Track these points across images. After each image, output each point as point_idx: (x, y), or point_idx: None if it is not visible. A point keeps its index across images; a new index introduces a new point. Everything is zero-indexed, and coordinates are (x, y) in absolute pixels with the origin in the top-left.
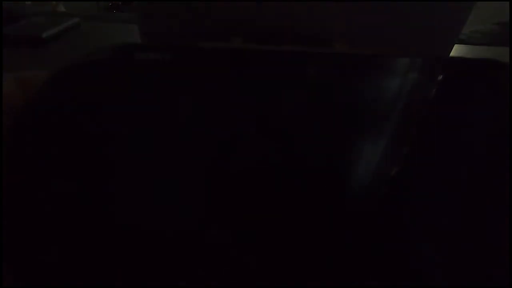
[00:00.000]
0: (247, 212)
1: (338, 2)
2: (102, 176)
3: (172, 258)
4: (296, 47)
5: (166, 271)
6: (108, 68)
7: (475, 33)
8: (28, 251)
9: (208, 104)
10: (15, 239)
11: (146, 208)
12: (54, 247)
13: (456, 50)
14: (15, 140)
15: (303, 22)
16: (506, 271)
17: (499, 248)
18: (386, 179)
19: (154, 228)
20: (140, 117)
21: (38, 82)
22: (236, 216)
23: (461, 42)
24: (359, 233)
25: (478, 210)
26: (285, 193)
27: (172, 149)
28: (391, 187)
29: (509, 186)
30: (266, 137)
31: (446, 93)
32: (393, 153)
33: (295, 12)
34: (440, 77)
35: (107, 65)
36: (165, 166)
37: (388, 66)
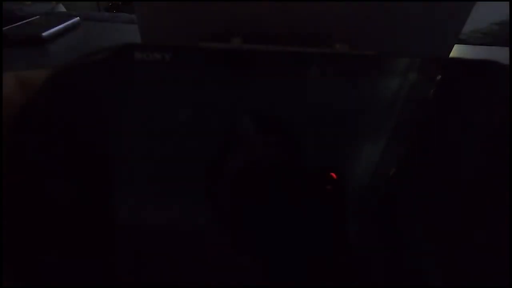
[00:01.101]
0: (248, 211)
1: (338, 2)
2: (101, 175)
3: (172, 258)
4: (296, 47)
5: (166, 271)
6: (108, 68)
7: (475, 33)
8: (28, 251)
9: (208, 104)
10: (15, 239)
11: (146, 208)
12: (54, 247)
13: (456, 50)
14: (15, 140)
15: (303, 22)
16: (506, 271)
17: (499, 248)
18: (385, 178)
19: (153, 228)
20: (139, 117)
21: (38, 82)
22: (236, 216)
23: (461, 42)
24: (359, 233)
25: (477, 210)
26: (285, 192)
27: (172, 148)
28: (391, 186)
29: (509, 186)
30: (266, 136)
31: (445, 94)
32: (392, 153)
33: (295, 12)
34: (440, 77)
35: (107, 65)
36: (165, 165)
37: (388, 66)
